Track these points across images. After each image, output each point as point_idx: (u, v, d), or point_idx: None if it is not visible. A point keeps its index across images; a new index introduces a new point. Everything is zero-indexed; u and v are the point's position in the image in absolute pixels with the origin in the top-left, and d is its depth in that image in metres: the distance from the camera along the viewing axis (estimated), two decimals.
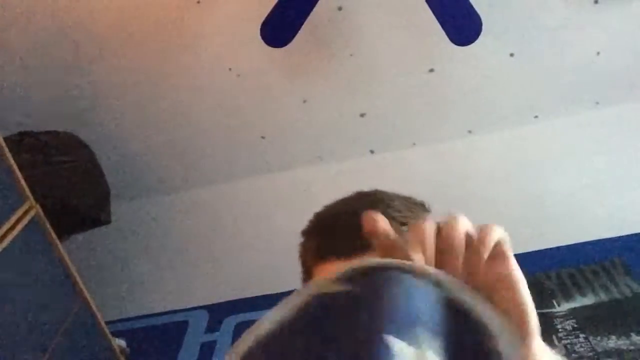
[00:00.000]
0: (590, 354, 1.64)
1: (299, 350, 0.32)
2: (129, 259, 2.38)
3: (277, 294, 2.01)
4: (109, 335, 1.67)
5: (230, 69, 2.17)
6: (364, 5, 2.01)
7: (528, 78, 2.23)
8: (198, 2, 1.99)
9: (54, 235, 1.49)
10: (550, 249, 1.97)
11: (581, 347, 1.66)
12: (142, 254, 2.39)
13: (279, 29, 1.79)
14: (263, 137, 2.39)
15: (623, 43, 2.14)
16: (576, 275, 1.89)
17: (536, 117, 2.33)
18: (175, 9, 2.01)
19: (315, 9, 1.75)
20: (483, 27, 1.74)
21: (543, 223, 2.05)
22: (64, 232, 1.68)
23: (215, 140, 2.40)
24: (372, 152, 2.43)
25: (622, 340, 1.65)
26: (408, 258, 0.37)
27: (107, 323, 1.68)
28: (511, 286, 0.39)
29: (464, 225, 0.41)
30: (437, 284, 0.35)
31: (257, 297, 2.12)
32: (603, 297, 1.80)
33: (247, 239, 2.35)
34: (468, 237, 0.40)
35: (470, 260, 0.39)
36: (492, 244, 0.40)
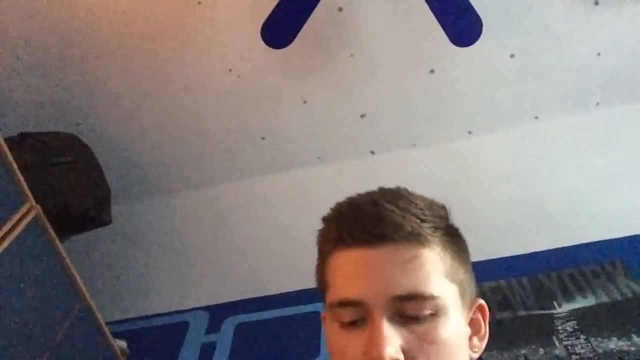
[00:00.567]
0: (591, 355, 1.63)
1: None
2: (129, 260, 2.38)
3: (277, 294, 2.03)
4: (110, 336, 1.67)
5: (230, 70, 2.17)
6: (364, 6, 2.01)
7: (528, 79, 2.23)
8: (199, 2, 1.99)
9: (54, 236, 1.49)
10: (551, 250, 1.97)
11: (582, 348, 1.66)
12: (143, 255, 2.40)
13: (280, 30, 1.79)
14: (263, 138, 2.39)
15: (623, 44, 2.14)
16: (577, 276, 1.88)
17: (536, 118, 2.33)
18: (176, 10, 2.01)
19: (315, 10, 1.75)
20: (483, 28, 1.74)
21: (543, 224, 2.04)
22: (64, 233, 1.68)
23: (215, 141, 2.40)
24: (372, 152, 2.43)
25: (623, 341, 1.65)
26: None
27: (107, 324, 1.68)
28: None
29: None
30: None
31: (257, 298, 2.12)
32: (604, 298, 1.80)
33: (247, 240, 2.35)
34: None
35: None
36: None
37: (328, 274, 0.64)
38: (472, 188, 2.19)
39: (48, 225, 1.48)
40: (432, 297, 0.57)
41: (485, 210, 2.11)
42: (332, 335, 0.62)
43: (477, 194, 2.17)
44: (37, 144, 1.82)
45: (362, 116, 2.32)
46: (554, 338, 1.71)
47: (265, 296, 2.11)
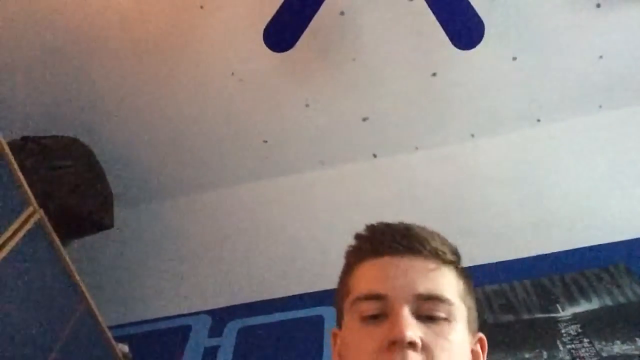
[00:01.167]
0: (595, 358, 1.63)
1: None
2: (131, 263, 2.38)
3: (280, 298, 2.02)
4: (112, 340, 1.67)
5: (233, 74, 2.17)
6: (366, 10, 2.02)
7: (531, 82, 2.23)
8: (201, 7, 1.99)
9: (57, 240, 1.49)
10: (554, 253, 1.96)
11: (586, 352, 1.65)
12: (145, 258, 2.39)
13: (282, 33, 1.79)
14: (265, 142, 2.39)
15: (625, 47, 2.14)
16: (580, 279, 1.88)
17: (539, 120, 2.33)
18: (178, 14, 2.01)
19: (317, 14, 1.75)
20: (485, 31, 1.74)
21: (547, 227, 2.04)
22: (67, 236, 1.68)
23: (217, 145, 2.40)
24: (374, 156, 2.42)
25: (627, 345, 1.64)
26: None
27: (109, 328, 1.67)
28: None
29: None
30: None
31: (259, 302, 2.12)
32: (607, 301, 1.79)
33: (249, 244, 2.34)
34: None
35: None
36: None
37: (352, 280, 0.69)
38: (474, 191, 2.19)
39: (50, 228, 1.48)
40: (448, 302, 0.64)
41: (488, 213, 2.10)
42: (351, 330, 0.66)
43: (480, 197, 2.16)
44: (39, 148, 1.82)
45: (365, 119, 2.32)
46: (558, 342, 1.70)
47: (268, 300, 2.11)
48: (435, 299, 0.63)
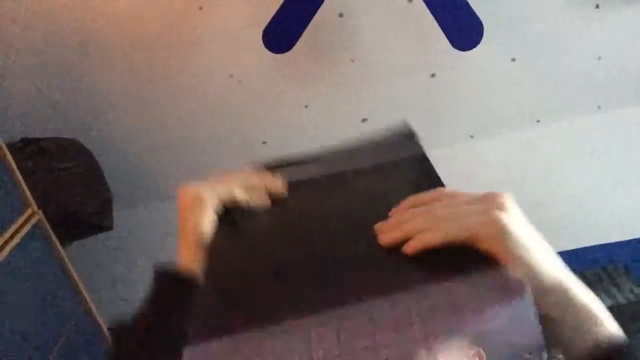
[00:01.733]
0: None
1: None
2: (131, 265, 2.38)
3: None
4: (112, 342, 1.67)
5: (231, 75, 2.17)
6: (365, 12, 2.02)
7: (530, 83, 2.23)
8: (200, 8, 2.00)
9: (56, 241, 1.49)
10: None
11: None
12: (145, 260, 2.39)
13: (281, 35, 1.79)
14: (264, 143, 2.39)
15: (624, 48, 2.14)
16: (580, 280, 1.88)
17: (538, 121, 2.34)
18: (177, 15, 2.02)
19: (316, 16, 1.75)
20: (484, 32, 1.74)
21: (545, 228, 2.02)
22: (66, 238, 1.68)
23: (217, 146, 2.40)
24: None
25: None
26: None
27: (109, 329, 1.67)
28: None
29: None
30: None
31: None
32: (607, 302, 1.79)
33: None
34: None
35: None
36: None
37: None
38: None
39: (50, 230, 1.48)
40: None
41: None
42: None
43: None
44: (38, 150, 1.82)
45: (364, 120, 2.33)
46: None
47: None
48: None
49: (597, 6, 2.03)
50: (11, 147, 1.57)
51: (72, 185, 1.82)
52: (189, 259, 0.66)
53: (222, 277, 0.53)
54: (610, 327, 0.49)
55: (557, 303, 0.49)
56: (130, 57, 2.12)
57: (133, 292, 2.43)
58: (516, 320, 0.40)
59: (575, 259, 1.97)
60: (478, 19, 1.72)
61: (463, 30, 1.75)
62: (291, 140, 2.38)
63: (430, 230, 0.48)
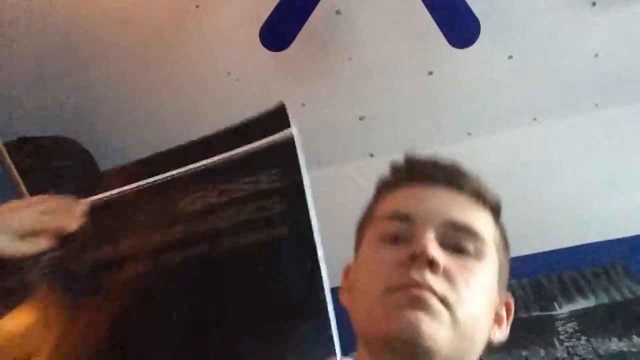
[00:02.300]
0: (592, 356, 1.63)
1: None
2: None
3: None
4: None
5: (229, 73, 2.17)
6: (362, 9, 2.02)
7: (527, 80, 2.23)
8: (197, 6, 1.99)
9: None
10: (551, 251, 1.96)
11: (583, 349, 1.66)
12: None
13: (278, 32, 1.79)
14: None
15: (621, 45, 2.14)
16: (577, 277, 1.88)
17: (535, 119, 2.34)
18: (174, 14, 2.01)
19: (313, 13, 1.75)
20: (481, 29, 1.74)
21: (543, 225, 2.04)
22: None
23: None
24: (371, 155, 2.43)
25: (624, 342, 1.65)
26: None
27: None
28: None
29: None
30: None
31: None
32: (604, 299, 1.80)
33: None
34: None
35: None
36: None
37: (379, 205, 0.61)
38: None
39: None
40: (480, 238, 0.56)
41: None
42: (367, 250, 0.58)
43: None
44: (36, 149, 1.82)
45: (361, 119, 2.33)
46: (555, 339, 1.71)
47: None
48: (467, 230, 0.56)
49: (594, 4, 2.03)
50: (9, 146, 1.56)
51: (69, 185, 1.82)
52: None
53: None
54: None
55: None
56: (127, 55, 2.12)
57: None
58: None
59: (573, 256, 1.97)
60: (475, 16, 1.72)
61: (460, 28, 1.76)
62: None
63: None
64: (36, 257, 0.48)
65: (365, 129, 2.34)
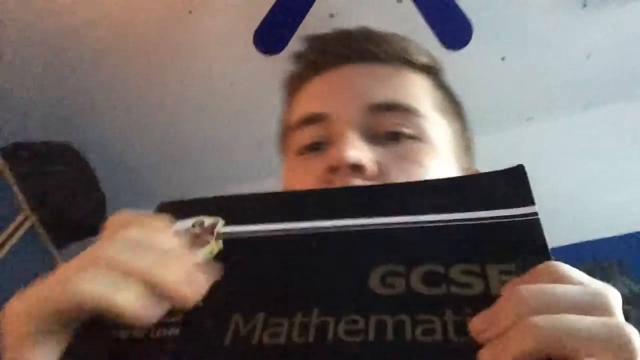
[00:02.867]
0: None
1: None
2: None
3: None
4: None
5: (224, 77, 2.18)
6: (356, 12, 2.03)
7: (520, 81, 2.25)
8: (190, 12, 2.00)
9: (51, 245, 1.49)
10: None
11: None
12: None
13: (272, 36, 1.80)
14: (259, 144, 2.39)
15: (612, 46, 2.17)
16: None
17: (528, 119, 2.35)
18: (167, 19, 2.02)
19: (307, 17, 1.76)
20: (474, 31, 1.76)
21: None
22: (60, 241, 1.68)
23: (211, 149, 2.40)
24: None
25: None
26: None
27: None
28: None
29: None
30: None
31: None
32: None
33: None
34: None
35: None
36: None
37: (288, 113, 0.51)
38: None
39: (44, 234, 1.48)
40: (416, 112, 0.46)
41: None
42: (285, 171, 0.48)
43: None
44: (31, 154, 1.82)
45: None
46: None
47: None
48: (393, 107, 0.45)
49: (585, 5, 2.05)
50: (4, 151, 1.57)
51: (65, 188, 1.82)
52: None
53: None
54: None
55: None
56: (122, 60, 2.12)
57: None
58: None
59: (568, 254, 1.98)
60: (467, 19, 1.73)
61: (452, 30, 1.77)
62: None
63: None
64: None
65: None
